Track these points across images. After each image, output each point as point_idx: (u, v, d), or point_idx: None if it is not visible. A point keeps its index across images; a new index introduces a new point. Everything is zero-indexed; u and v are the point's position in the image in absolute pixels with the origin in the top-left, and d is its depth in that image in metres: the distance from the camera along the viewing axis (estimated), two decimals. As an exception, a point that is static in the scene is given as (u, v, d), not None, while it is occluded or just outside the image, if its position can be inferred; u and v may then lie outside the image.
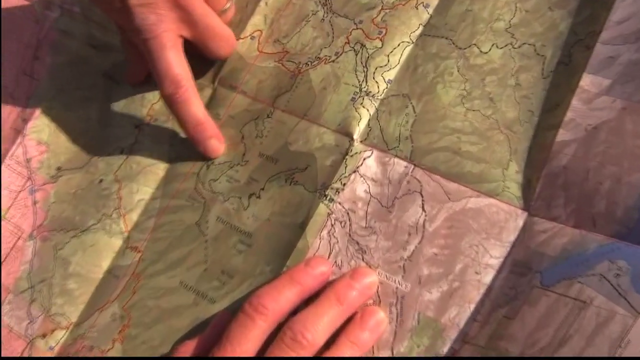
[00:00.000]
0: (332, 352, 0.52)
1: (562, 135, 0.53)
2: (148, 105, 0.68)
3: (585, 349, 0.46)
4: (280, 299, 0.54)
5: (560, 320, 0.48)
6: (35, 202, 0.68)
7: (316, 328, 0.52)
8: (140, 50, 0.64)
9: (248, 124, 0.63)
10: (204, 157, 0.63)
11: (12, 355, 0.62)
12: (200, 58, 0.66)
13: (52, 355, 0.62)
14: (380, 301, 0.55)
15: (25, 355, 0.62)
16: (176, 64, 0.62)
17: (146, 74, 0.68)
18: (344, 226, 0.57)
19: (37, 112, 0.72)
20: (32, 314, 0.63)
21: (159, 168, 0.65)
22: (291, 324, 0.52)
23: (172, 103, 0.63)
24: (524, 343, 0.49)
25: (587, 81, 0.54)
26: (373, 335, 0.53)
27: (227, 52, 0.66)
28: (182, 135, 0.65)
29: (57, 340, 0.62)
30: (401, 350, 0.53)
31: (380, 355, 0.53)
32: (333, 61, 0.62)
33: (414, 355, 0.53)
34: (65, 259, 0.65)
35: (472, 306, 0.53)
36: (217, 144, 0.63)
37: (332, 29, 0.63)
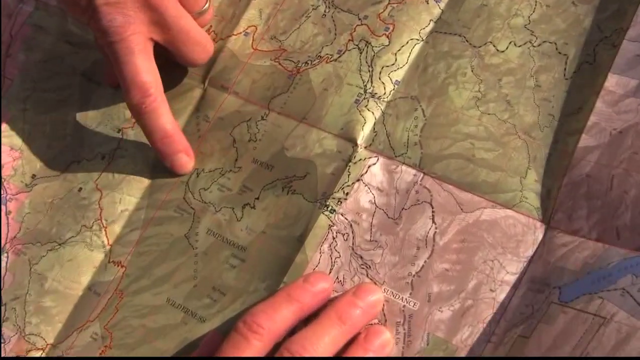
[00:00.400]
0: None
1: (585, 140, 0.54)
2: (132, 106, 0.69)
3: (605, 367, 0.47)
4: (276, 317, 0.54)
5: (579, 337, 0.49)
6: (7, 213, 0.69)
7: (316, 349, 0.53)
8: (105, 53, 0.64)
9: (238, 126, 0.64)
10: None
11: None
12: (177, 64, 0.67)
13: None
14: (386, 320, 0.56)
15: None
16: (144, 70, 0.63)
17: None
18: (346, 239, 0.58)
19: (9, 114, 0.72)
20: (4, 334, 0.64)
21: (144, 176, 0.66)
22: (288, 344, 0.53)
23: (138, 113, 0.63)
24: None
25: (613, 82, 0.55)
26: (378, 357, 0.54)
27: (203, 58, 0.66)
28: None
29: (32, 363, 0.63)
30: None
31: None
32: (335, 60, 0.63)
33: (423, 379, 0.54)
34: (41, 274, 0.65)
35: (486, 326, 0.53)
36: (185, 159, 0.64)
37: (335, 25, 0.64)
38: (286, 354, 0.53)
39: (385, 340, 0.55)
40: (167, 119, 0.64)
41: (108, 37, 0.62)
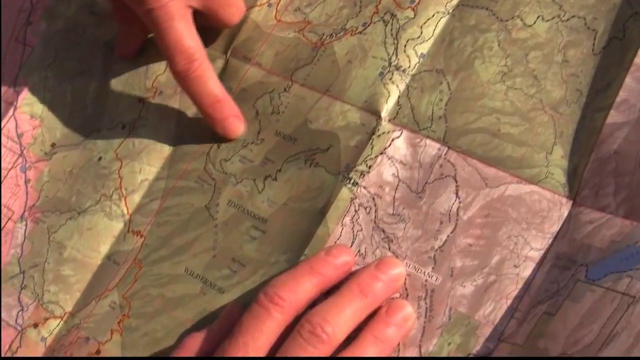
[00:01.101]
0: (354, 349, 0.53)
1: (613, 117, 0.54)
2: (153, 77, 0.68)
3: (633, 347, 0.46)
4: (298, 289, 0.54)
5: (606, 316, 0.48)
6: (27, 181, 0.68)
7: (337, 321, 0.52)
8: (142, 22, 0.63)
9: (261, 97, 0.64)
10: (214, 135, 0.63)
11: (1, 344, 0.63)
12: (210, 27, 0.66)
13: (44, 347, 0.62)
14: (407, 294, 0.55)
15: (15, 345, 0.63)
16: (187, 35, 0.62)
17: (139, 47, 0.68)
18: (369, 212, 0.57)
19: (30, 83, 0.72)
20: (22, 301, 0.64)
21: (165, 146, 0.66)
22: (309, 316, 0.53)
23: (185, 80, 0.62)
24: (565, 341, 0.49)
25: (643, 58, 0.54)
26: (399, 331, 0.54)
27: (239, 18, 0.66)
28: (191, 110, 0.65)
29: (51, 330, 0.62)
30: (430, 348, 0.53)
31: (407, 355, 0.53)
32: (360, 33, 0.62)
33: (444, 354, 0.53)
34: (59, 242, 0.65)
35: (510, 302, 0.53)
36: (237, 123, 0.63)
37: (360, -3, 0.64)
38: (307, 326, 0.52)
39: (407, 314, 0.54)
40: (215, 83, 0.63)
41: (147, 4, 0.61)
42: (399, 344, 0.54)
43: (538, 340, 0.50)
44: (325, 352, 0.52)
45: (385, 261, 0.55)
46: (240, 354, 0.52)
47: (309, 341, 0.52)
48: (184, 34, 0.62)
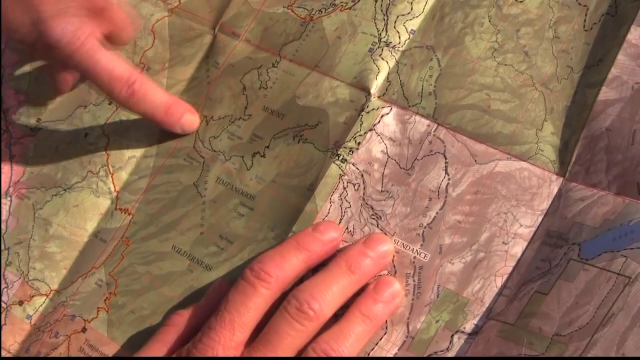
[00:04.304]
0: (342, 326, 0.51)
1: (605, 93, 0.52)
2: (140, 52, 0.66)
3: (630, 329, 0.45)
4: (285, 265, 0.52)
5: (602, 297, 0.46)
6: (12, 157, 0.66)
7: (324, 297, 0.50)
8: (66, 66, 0.62)
9: (249, 73, 0.61)
10: (202, 112, 0.61)
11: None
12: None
13: (29, 324, 0.60)
14: (396, 271, 0.53)
15: (1, 322, 0.61)
16: (115, 63, 0.60)
17: (79, 78, 0.66)
18: (357, 189, 0.55)
19: (15, 57, 0.69)
20: (7, 278, 0.62)
21: (153, 123, 0.63)
22: (297, 292, 0.51)
23: (132, 103, 0.60)
24: (560, 322, 0.47)
25: (636, 34, 0.52)
26: (387, 308, 0.52)
27: (134, 37, 0.65)
28: (180, 85, 0.63)
29: (36, 307, 0.60)
30: (418, 325, 0.51)
31: (395, 332, 0.52)
32: (350, 8, 0.60)
33: (433, 331, 0.51)
34: (45, 219, 0.63)
35: (499, 279, 0.51)
36: (191, 117, 0.62)
37: (349, -27, 0.61)
38: (294, 302, 0.50)
39: (395, 291, 0.52)
40: (160, 92, 0.61)
41: (67, 46, 0.59)
42: (386, 321, 0.52)
43: (531, 319, 0.48)
44: (313, 328, 0.50)
45: (373, 237, 0.53)
46: (226, 330, 0.50)
47: (295, 318, 0.50)
48: (112, 62, 0.60)
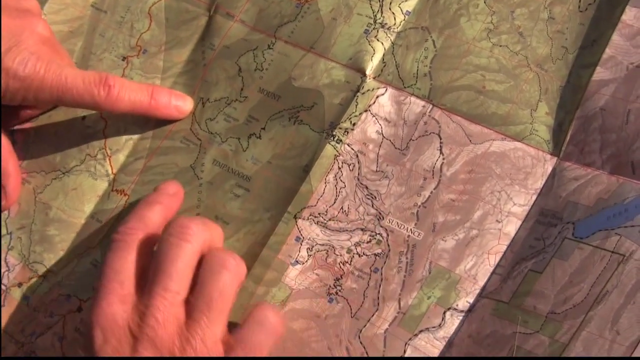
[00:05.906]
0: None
1: (599, 73, 0.51)
2: (137, 35, 0.65)
3: (624, 307, 0.44)
4: (146, 220, 0.54)
5: (596, 275, 0.46)
6: (14, 143, 0.65)
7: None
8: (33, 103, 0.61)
9: (245, 54, 0.60)
10: (199, 94, 0.61)
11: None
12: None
13: (27, 307, 0.59)
14: (389, 250, 0.52)
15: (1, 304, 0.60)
16: (82, 76, 0.59)
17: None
18: (352, 169, 0.55)
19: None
20: (9, 262, 0.61)
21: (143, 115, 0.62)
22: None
23: (114, 100, 0.59)
24: (554, 300, 0.46)
25: (631, 15, 0.51)
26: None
27: None
28: (177, 67, 0.62)
29: (34, 289, 0.60)
30: (409, 302, 0.51)
31: (387, 308, 0.51)
32: (345, -10, 0.59)
33: (424, 308, 0.50)
34: (45, 203, 0.62)
35: (492, 257, 0.50)
36: (181, 101, 0.61)
37: (345, -45, 0.60)
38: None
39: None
40: (138, 85, 0.60)
41: (32, 81, 0.58)
42: (378, 297, 0.51)
43: (525, 298, 0.48)
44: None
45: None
46: (108, 290, 0.51)
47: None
48: (79, 78, 0.59)
